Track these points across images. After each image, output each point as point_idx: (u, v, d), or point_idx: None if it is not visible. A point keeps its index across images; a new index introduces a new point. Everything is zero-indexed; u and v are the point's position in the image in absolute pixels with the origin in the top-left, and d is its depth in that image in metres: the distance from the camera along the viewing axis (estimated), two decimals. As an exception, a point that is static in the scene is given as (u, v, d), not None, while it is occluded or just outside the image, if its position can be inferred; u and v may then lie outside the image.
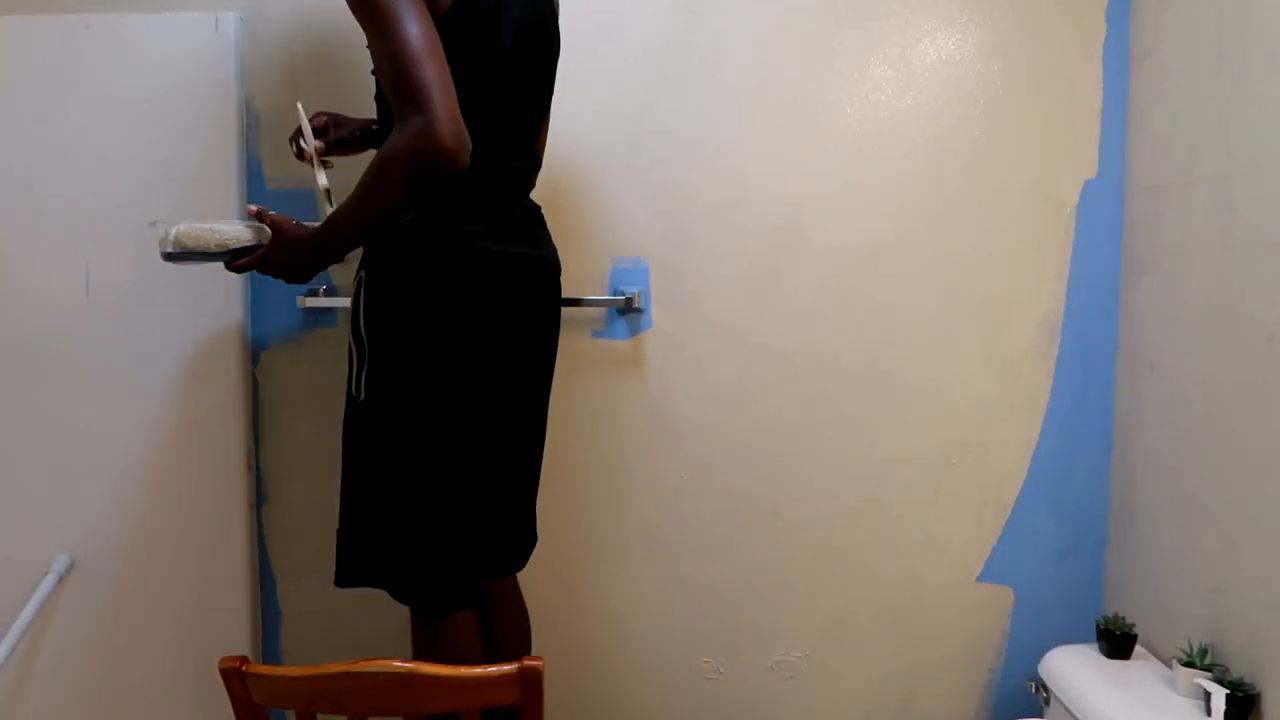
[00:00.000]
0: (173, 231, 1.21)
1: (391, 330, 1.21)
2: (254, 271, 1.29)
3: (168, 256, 1.23)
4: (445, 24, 1.13)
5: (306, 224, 1.24)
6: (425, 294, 1.19)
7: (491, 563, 1.32)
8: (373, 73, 1.20)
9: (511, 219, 1.27)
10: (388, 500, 1.23)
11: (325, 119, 1.42)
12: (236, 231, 1.24)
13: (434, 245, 1.20)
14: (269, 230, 1.24)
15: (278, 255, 1.24)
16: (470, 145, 1.09)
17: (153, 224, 1.25)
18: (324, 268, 1.28)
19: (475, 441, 1.24)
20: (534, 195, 1.37)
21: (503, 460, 1.28)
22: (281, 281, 1.28)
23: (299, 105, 1.34)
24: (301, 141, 1.35)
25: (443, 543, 1.22)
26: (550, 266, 1.34)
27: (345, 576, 1.26)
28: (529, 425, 1.34)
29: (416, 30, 1.06)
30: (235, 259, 1.25)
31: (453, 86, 1.08)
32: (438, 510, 1.22)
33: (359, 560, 1.25)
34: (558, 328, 1.37)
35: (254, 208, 1.25)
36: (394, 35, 1.06)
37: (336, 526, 1.29)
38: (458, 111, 1.07)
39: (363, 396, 1.24)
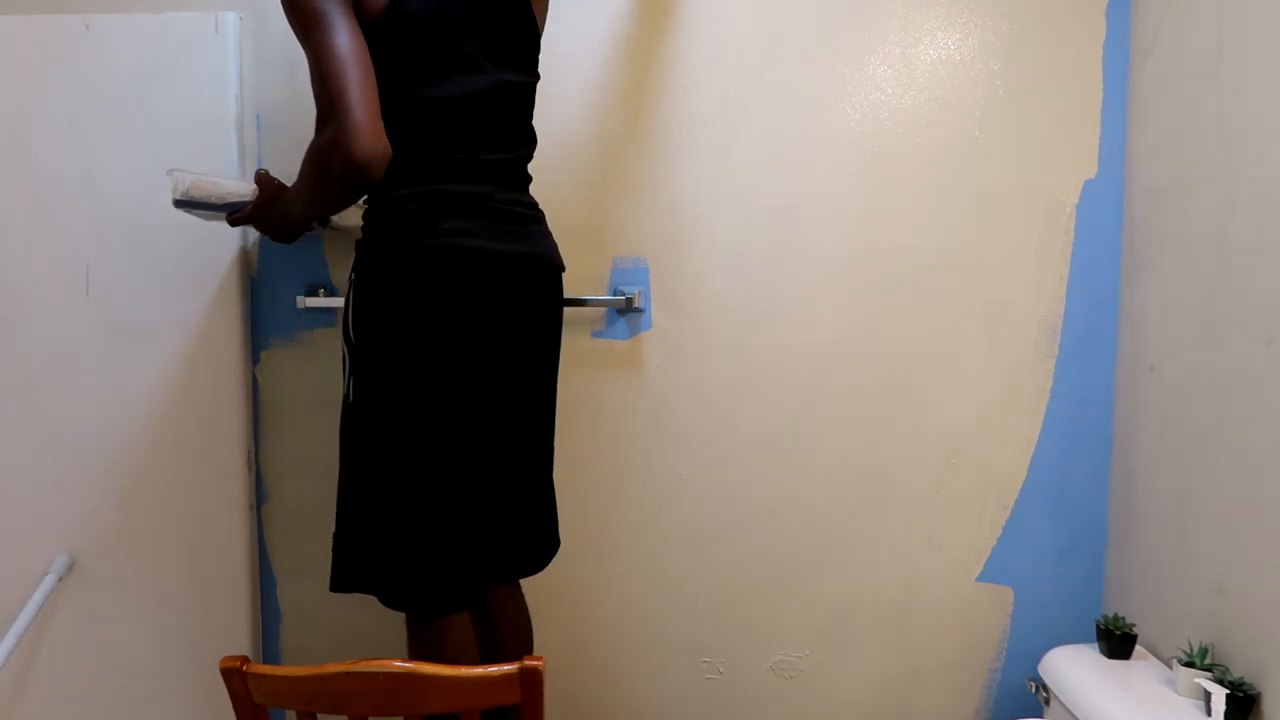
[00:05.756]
0: (186, 180, 1.32)
1: (374, 332, 1.21)
2: (255, 229, 1.41)
3: (178, 204, 1.34)
4: (380, 29, 1.15)
5: (289, 185, 1.32)
6: (403, 294, 1.19)
7: (485, 566, 1.31)
8: None
9: (497, 215, 1.25)
10: (376, 504, 1.22)
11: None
12: (237, 187, 1.35)
13: (411, 244, 1.19)
14: None
15: (262, 211, 1.35)
16: (387, 154, 1.10)
17: (170, 171, 1.33)
18: (297, 230, 1.36)
19: (457, 443, 1.23)
20: (534, 195, 1.36)
21: (489, 462, 1.27)
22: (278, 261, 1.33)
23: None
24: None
25: (430, 546, 1.22)
26: (541, 263, 1.31)
27: (339, 581, 1.26)
28: (521, 426, 1.32)
29: (337, 38, 1.10)
30: (233, 213, 1.36)
31: (374, 95, 1.10)
32: (422, 513, 1.22)
33: (352, 565, 1.25)
34: (557, 326, 1.35)
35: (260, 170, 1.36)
36: (317, 42, 1.11)
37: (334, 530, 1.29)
38: (375, 121, 1.09)
39: (352, 399, 1.25)
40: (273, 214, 1.34)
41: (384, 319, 1.20)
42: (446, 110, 1.21)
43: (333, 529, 1.28)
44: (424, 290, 1.19)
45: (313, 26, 1.11)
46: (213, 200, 1.33)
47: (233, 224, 1.37)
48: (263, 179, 1.34)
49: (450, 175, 1.22)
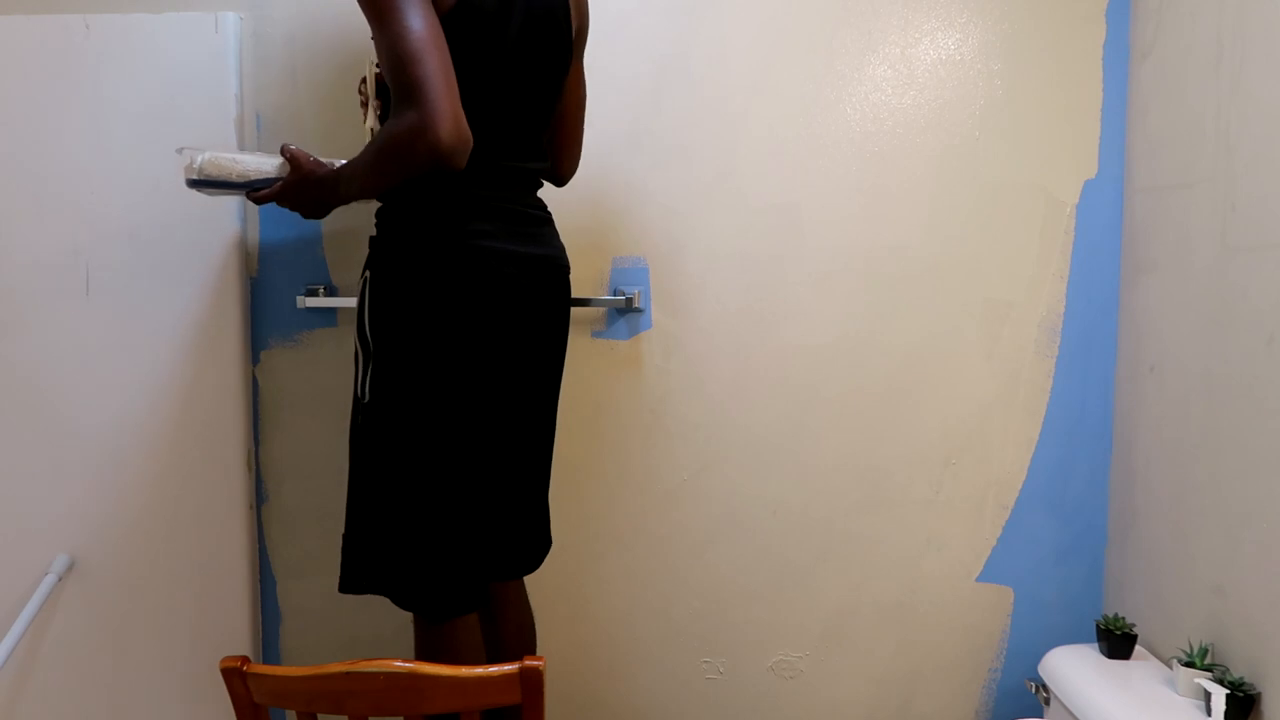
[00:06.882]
0: (198, 159, 1.25)
1: (395, 331, 1.20)
2: (276, 204, 1.32)
3: (191, 184, 1.28)
4: (445, 23, 1.12)
5: (325, 161, 1.27)
6: (428, 293, 1.19)
7: (494, 566, 1.31)
8: (377, 65, 1.20)
9: (518, 218, 1.26)
10: (390, 504, 1.22)
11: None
12: (258, 162, 1.28)
13: (437, 244, 1.19)
14: (289, 165, 1.27)
15: (294, 189, 1.27)
16: (470, 142, 1.08)
17: (180, 150, 1.29)
18: (334, 208, 1.29)
19: (477, 443, 1.23)
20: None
21: (506, 462, 1.28)
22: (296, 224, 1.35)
23: (371, 61, 1.32)
24: (363, 86, 1.36)
25: (444, 547, 1.22)
26: (557, 265, 1.32)
27: (349, 583, 1.26)
28: (534, 426, 1.33)
29: (418, 23, 1.06)
30: (255, 190, 1.28)
31: (454, 81, 1.07)
32: (439, 513, 1.21)
33: (362, 566, 1.25)
34: (566, 327, 1.36)
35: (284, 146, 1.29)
36: (395, 27, 1.06)
37: (338, 527, 1.28)
38: (459, 108, 1.06)
39: (367, 398, 1.23)
40: (309, 192, 1.27)
41: (406, 319, 1.19)
42: (493, 112, 1.21)
43: (335, 529, 1.28)
44: (449, 291, 1.18)
45: (389, 9, 1.07)
46: (232, 179, 1.26)
47: (256, 201, 1.29)
48: (296, 156, 1.26)
49: (479, 182, 1.21)
